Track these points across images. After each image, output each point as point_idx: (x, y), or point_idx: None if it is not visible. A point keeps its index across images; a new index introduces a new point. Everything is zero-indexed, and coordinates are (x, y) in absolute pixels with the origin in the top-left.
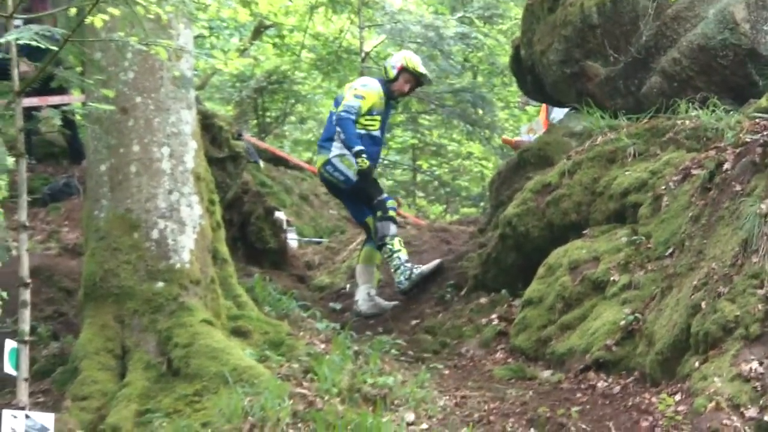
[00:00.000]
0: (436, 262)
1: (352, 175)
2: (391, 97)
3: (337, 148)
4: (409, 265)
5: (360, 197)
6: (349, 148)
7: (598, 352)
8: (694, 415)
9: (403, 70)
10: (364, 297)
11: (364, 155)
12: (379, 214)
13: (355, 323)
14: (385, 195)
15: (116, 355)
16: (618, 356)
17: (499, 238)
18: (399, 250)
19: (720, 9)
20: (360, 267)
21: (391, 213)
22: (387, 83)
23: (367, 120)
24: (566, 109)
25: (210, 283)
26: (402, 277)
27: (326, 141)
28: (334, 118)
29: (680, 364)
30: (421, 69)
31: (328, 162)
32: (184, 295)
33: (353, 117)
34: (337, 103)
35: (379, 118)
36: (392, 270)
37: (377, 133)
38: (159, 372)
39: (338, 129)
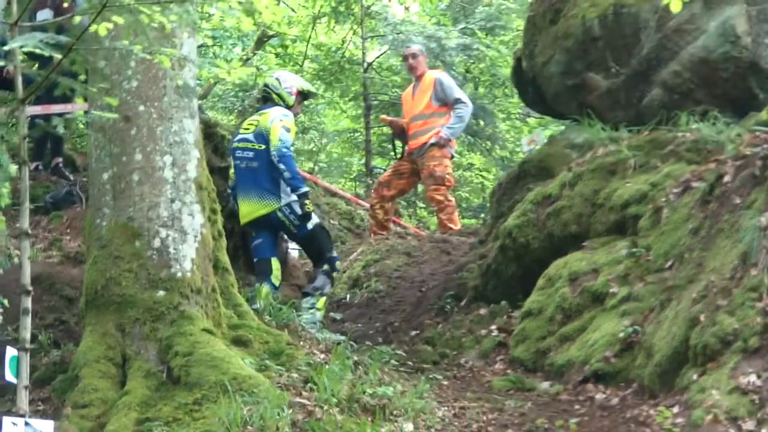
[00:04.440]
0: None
1: (308, 223)
2: None
3: (286, 194)
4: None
5: (308, 246)
6: (294, 189)
7: (596, 364)
8: (692, 428)
9: (299, 93)
10: None
11: (308, 199)
12: (326, 267)
13: (355, 333)
14: (336, 254)
15: (117, 364)
16: (617, 368)
17: (499, 249)
18: (320, 310)
19: (721, 22)
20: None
21: (335, 275)
22: (287, 110)
23: None
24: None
25: (211, 292)
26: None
27: (266, 189)
28: (274, 155)
29: (678, 377)
30: (310, 87)
31: (285, 205)
32: (185, 303)
33: (293, 153)
34: (238, 140)
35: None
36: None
37: None
38: (159, 380)
39: (282, 167)
